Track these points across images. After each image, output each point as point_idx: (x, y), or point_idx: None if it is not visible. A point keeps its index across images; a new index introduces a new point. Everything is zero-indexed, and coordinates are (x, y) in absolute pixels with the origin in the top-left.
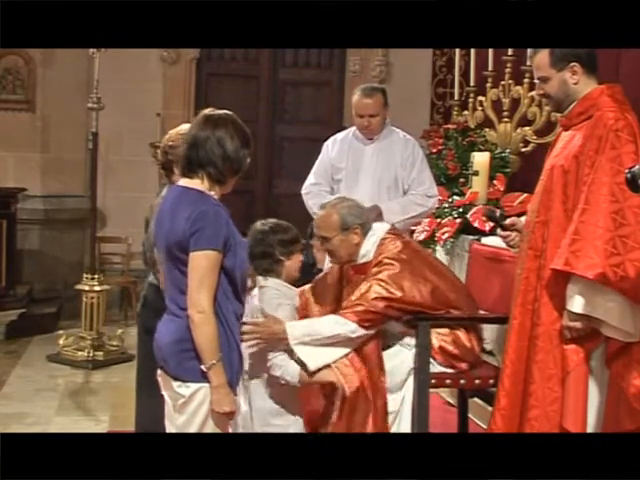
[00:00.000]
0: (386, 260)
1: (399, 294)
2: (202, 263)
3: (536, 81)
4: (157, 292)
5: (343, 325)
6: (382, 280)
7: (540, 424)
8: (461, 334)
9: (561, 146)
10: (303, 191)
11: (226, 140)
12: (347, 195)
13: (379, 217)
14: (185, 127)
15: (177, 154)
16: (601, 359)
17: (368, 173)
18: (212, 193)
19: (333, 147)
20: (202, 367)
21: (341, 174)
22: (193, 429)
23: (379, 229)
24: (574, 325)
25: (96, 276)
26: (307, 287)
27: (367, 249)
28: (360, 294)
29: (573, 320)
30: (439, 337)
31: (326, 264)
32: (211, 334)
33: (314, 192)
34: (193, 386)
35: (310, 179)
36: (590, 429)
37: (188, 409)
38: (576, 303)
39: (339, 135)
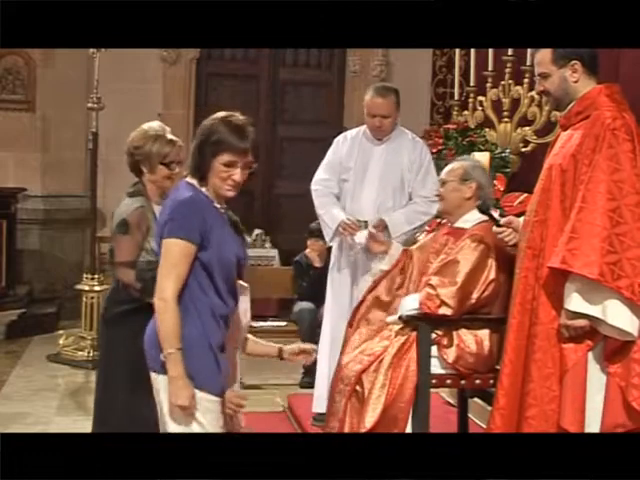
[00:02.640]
0: (477, 241)
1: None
2: (172, 250)
3: (536, 78)
4: (116, 282)
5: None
6: (455, 263)
7: (538, 423)
8: (485, 340)
9: (559, 145)
10: (312, 186)
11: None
12: (353, 197)
13: (385, 230)
14: (146, 127)
15: (143, 153)
16: (599, 358)
17: (375, 174)
18: (203, 189)
19: (344, 144)
20: (161, 356)
21: (348, 174)
22: (167, 419)
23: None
24: (572, 324)
25: (96, 276)
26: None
27: (471, 218)
28: (436, 269)
29: (571, 319)
30: (462, 345)
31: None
32: (171, 323)
33: (321, 190)
34: (153, 375)
35: (320, 173)
36: (588, 428)
37: (158, 399)
38: (574, 301)
39: (350, 133)
